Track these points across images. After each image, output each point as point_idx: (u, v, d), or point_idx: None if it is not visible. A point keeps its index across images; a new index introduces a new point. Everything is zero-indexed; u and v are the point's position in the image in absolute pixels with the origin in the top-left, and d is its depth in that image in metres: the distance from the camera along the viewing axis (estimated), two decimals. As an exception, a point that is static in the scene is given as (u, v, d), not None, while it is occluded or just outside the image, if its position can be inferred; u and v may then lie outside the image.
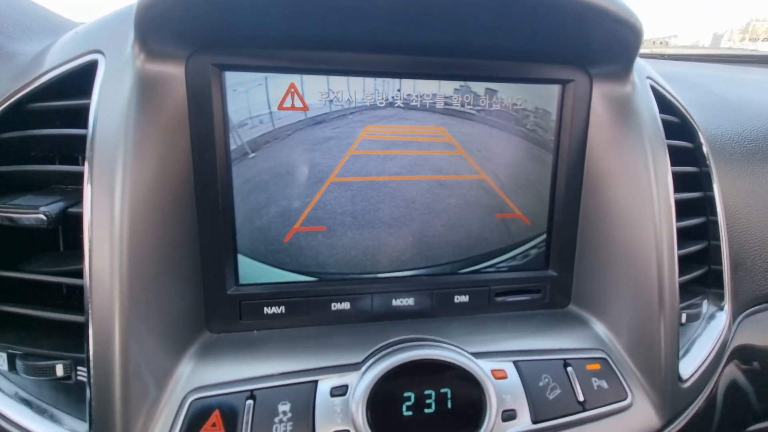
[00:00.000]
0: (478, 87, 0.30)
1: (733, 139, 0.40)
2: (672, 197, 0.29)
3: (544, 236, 0.33)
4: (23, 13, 0.35)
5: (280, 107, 0.28)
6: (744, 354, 0.35)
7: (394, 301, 0.31)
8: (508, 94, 0.31)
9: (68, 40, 0.27)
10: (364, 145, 0.30)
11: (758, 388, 0.35)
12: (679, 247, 0.31)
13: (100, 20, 0.27)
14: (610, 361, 0.29)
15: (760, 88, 0.53)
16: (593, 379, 0.28)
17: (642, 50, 0.90)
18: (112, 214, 0.22)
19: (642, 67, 0.33)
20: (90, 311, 0.22)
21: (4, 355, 0.24)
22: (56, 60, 0.25)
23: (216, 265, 0.28)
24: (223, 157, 0.27)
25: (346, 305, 0.30)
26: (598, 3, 0.23)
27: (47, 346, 0.24)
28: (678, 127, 0.34)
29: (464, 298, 0.32)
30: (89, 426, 0.22)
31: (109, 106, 0.23)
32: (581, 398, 0.27)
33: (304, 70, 0.27)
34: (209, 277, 0.28)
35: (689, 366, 0.30)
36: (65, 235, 0.26)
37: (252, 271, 0.29)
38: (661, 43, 1.18)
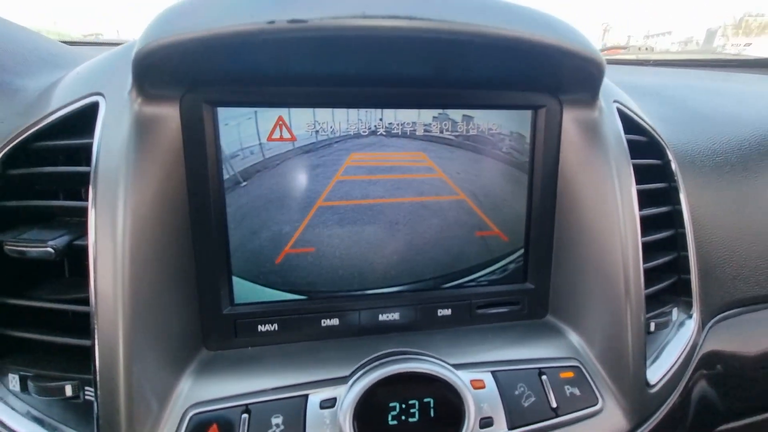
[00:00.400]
0: (455, 114, 0.32)
1: (703, 153, 0.42)
2: (636, 213, 0.31)
3: (521, 251, 0.35)
4: (24, 47, 0.37)
5: (270, 139, 0.30)
6: (713, 359, 0.37)
7: (380, 316, 0.33)
8: (484, 119, 0.33)
9: (71, 82, 0.28)
10: (350, 171, 0.31)
11: (726, 391, 0.37)
12: (649, 259, 0.33)
13: (100, 62, 0.29)
14: (582, 369, 0.31)
15: (736, 98, 0.55)
16: (566, 387, 0.30)
17: (627, 56, 0.93)
18: (114, 244, 0.24)
19: (610, 91, 0.35)
20: (96, 335, 0.24)
21: (16, 377, 0.26)
22: (60, 101, 0.27)
23: (212, 286, 0.30)
24: (216, 186, 0.29)
25: (335, 321, 0.32)
26: (567, 45, 0.25)
27: (56, 368, 0.25)
28: (646, 145, 0.36)
29: (447, 312, 0.34)
30: (95, 442, 0.24)
31: (109, 144, 0.25)
32: (554, 405, 0.29)
33: (291, 104, 0.29)
34: (206, 298, 0.30)
35: (657, 372, 0.32)
36: (70, 264, 0.28)
37: (246, 291, 0.31)
38: (646, 49, 1.20)
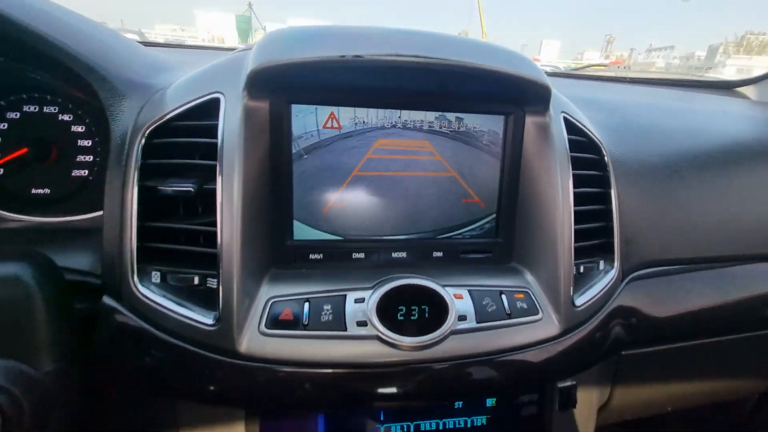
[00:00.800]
0: (451, 116, 0.46)
1: (634, 153, 0.56)
2: (571, 191, 0.45)
3: (494, 215, 0.49)
4: (140, 56, 0.51)
5: (324, 127, 0.44)
6: (628, 303, 0.51)
7: (393, 254, 0.47)
8: (471, 121, 0.47)
9: (197, 81, 0.43)
10: (376, 151, 0.46)
11: (634, 323, 0.51)
12: (581, 223, 0.47)
13: (219, 66, 0.43)
14: (530, 293, 0.45)
15: (672, 114, 0.70)
16: (518, 302, 0.44)
17: (607, 73, 1.11)
18: (231, 189, 0.38)
19: (560, 103, 0.49)
20: (220, 246, 0.38)
21: (158, 273, 0.40)
22: (191, 95, 0.41)
23: (280, 226, 0.44)
24: (287, 157, 0.43)
25: (361, 255, 0.46)
26: (527, 75, 0.40)
27: (188, 267, 0.39)
28: (586, 143, 0.50)
29: (439, 254, 0.48)
30: (217, 316, 0.38)
31: (229, 125, 0.39)
32: (508, 311, 0.43)
33: (341, 103, 0.43)
34: (276, 233, 0.44)
35: (582, 298, 0.46)
36: (197, 203, 0.42)
37: (302, 231, 0.45)
38: (626, 67, 1.36)
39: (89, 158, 0.54)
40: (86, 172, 0.54)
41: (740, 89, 1.15)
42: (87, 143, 0.54)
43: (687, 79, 1.24)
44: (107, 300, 0.40)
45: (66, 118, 0.54)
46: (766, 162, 0.62)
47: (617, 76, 1.26)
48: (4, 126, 0.53)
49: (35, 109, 0.53)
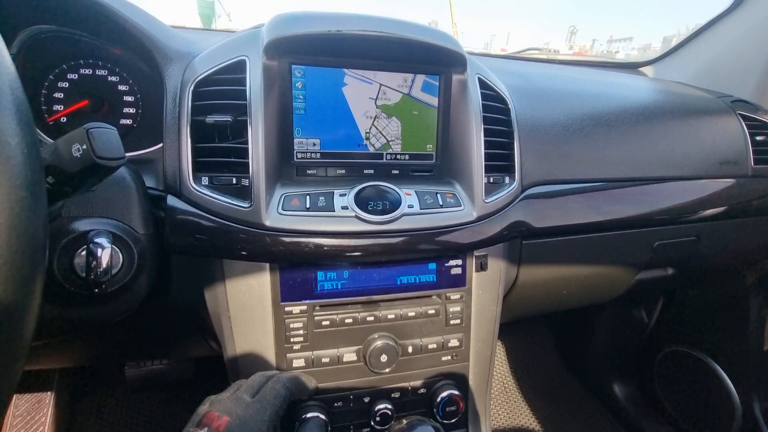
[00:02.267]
0: (408, 76, 0.68)
1: (534, 106, 0.80)
2: (482, 130, 0.68)
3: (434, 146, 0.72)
4: (173, 32, 0.69)
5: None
6: (520, 208, 0.74)
7: (364, 171, 0.68)
8: (419, 77, 0.68)
9: (226, 48, 0.62)
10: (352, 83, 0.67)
11: (527, 222, 0.75)
12: (490, 149, 0.70)
13: (242, 37, 0.62)
14: (457, 194, 0.68)
15: (570, 81, 0.94)
16: (448, 199, 0.66)
17: (541, 56, 1.42)
18: (257, 121, 0.58)
19: (476, 68, 0.72)
20: (251, 156, 0.58)
21: (207, 177, 0.59)
22: (224, 57, 0.60)
23: (288, 149, 0.64)
24: (290, 101, 0.63)
25: (343, 171, 0.67)
26: (449, 46, 0.62)
27: (227, 173, 0.59)
28: (495, 96, 0.73)
29: (396, 172, 0.70)
30: (250, 203, 0.58)
31: (253, 78, 0.59)
32: (441, 204, 0.65)
33: (327, 65, 0.64)
34: (284, 155, 0.64)
35: (491, 198, 0.69)
36: (233, 131, 0.61)
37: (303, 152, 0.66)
38: (553, 50, 1.61)
39: (132, 110, 0.73)
40: (131, 121, 0.73)
41: (642, 69, 1.44)
42: (131, 98, 0.73)
43: (603, 61, 1.52)
44: (171, 199, 0.59)
45: (113, 78, 0.72)
46: (636, 121, 0.88)
47: (548, 59, 1.52)
48: (65, 84, 0.70)
49: (89, 71, 0.71)
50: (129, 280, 0.51)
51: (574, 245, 0.81)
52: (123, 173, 0.54)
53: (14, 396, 1.28)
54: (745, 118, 0.98)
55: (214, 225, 0.58)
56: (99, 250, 0.46)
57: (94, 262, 0.46)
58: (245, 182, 0.59)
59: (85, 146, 0.35)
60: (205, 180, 0.59)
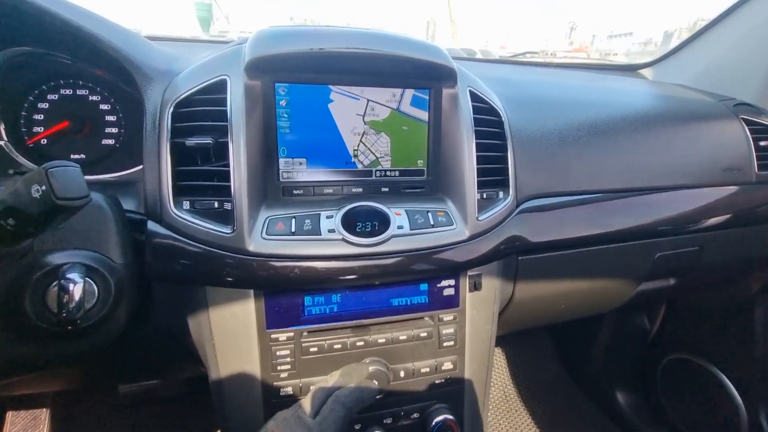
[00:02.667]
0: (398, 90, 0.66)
1: (525, 116, 0.78)
2: (474, 144, 0.65)
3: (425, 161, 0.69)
4: (154, 48, 0.67)
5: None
6: (515, 223, 0.72)
7: (353, 189, 0.66)
8: (408, 92, 0.66)
9: (208, 66, 0.60)
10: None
11: (522, 238, 0.72)
12: (483, 164, 0.67)
13: (223, 56, 0.60)
14: (449, 212, 0.65)
15: (566, 89, 0.92)
16: (439, 218, 0.64)
17: (537, 59, 1.38)
18: (239, 142, 0.56)
19: (467, 79, 0.69)
20: (233, 179, 0.56)
21: (188, 202, 0.57)
22: (205, 77, 0.58)
23: (272, 170, 0.62)
24: (274, 121, 0.61)
25: (330, 190, 0.65)
26: (437, 60, 0.59)
27: (209, 197, 0.57)
28: (487, 109, 0.71)
29: (386, 189, 0.67)
30: (233, 227, 0.56)
31: (234, 97, 0.56)
32: (432, 223, 0.63)
33: (311, 82, 0.62)
34: (269, 175, 0.62)
35: (484, 215, 0.66)
36: (215, 153, 0.59)
37: (289, 172, 0.64)
38: (551, 53, 1.58)
39: (115, 130, 0.71)
40: (113, 141, 0.71)
41: (641, 71, 1.41)
42: (113, 118, 0.71)
43: (602, 63, 1.50)
44: (151, 225, 0.57)
45: (95, 98, 0.70)
46: (635, 128, 0.85)
47: (546, 62, 1.49)
48: (45, 105, 0.68)
49: (70, 92, 0.69)
50: (106, 312, 0.49)
51: (572, 259, 0.79)
52: (99, 201, 0.52)
53: (10, 413, 1.27)
54: (748, 122, 0.95)
55: (196, 251, 0.56)
56: (71, 285, 0.44)
57: (66, 297, 0.44)
58: (228, 206, 0.57)
59: (44, 187, 0.34)
60: (186, 204, 0.57)
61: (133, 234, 0.57)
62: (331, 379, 0.56)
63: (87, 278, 0.47)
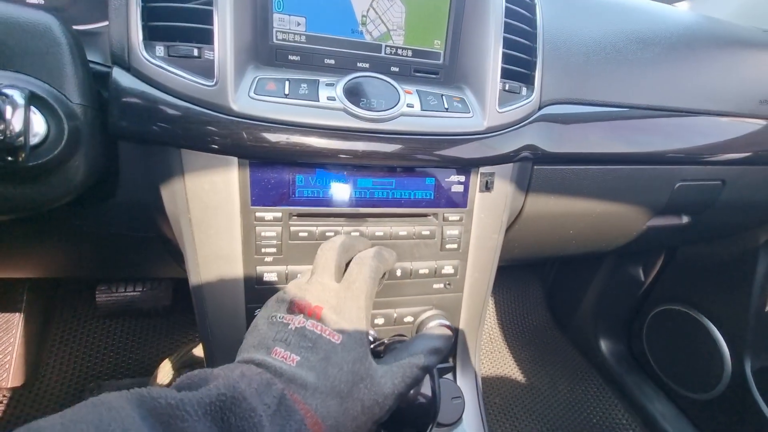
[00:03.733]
0: (411, -56, 0.55)
1: (564, 14, 0.68)
2: (502, 27, 0.56)
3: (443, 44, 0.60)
4: None
5: None
6: (535, 128, 0.64)
7: (358, 63, 0.57)
8: (427, -49, 0.56)
9: None
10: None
11: (542, 139, 0.65)
12: (507, 59, 0.58)
13: None
14: (466, 99, 0.57)
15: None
16: (455, 103, 0.56)
17: None
18: (225, 15, 0.45)
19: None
20: (216, 24, 0.46)
21: (162, 47, 0.48)
22: None
23: (266, 23, 0.52)
24: (271, -38, 0.51)
25: (332, 61, 0.56)
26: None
27: (188, 42, 0.48)
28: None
29: (396, 69, 0.58)
30: (215, 80, 0.47)
31: None
32: (446, 107, 0.55)
33: None
34: (260, 33, 0.52)
35: (505, 107, 0.59)
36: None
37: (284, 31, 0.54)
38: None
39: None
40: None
41: (677, 4, 1.28)
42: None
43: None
44: (117, 72, 0.48)
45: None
46: (676, 43, 0.75)
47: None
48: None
49: None
50: (58, 155, 0.41)
51: (589, 176, 0.72)
52: (48, 23, 0.42)
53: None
54: (792, 55, 0.86)
55: (170, 106, 0.47)
56: (8, 107, 0.36)
57: (2, 124, 0.36)
58: (209, 55, 0.48)
59: None
60: (160, 50, 0.48)
61: (95, 85, 0.48)
62: (338, 240, 0.47)
63: (33, 107, 0.39)
